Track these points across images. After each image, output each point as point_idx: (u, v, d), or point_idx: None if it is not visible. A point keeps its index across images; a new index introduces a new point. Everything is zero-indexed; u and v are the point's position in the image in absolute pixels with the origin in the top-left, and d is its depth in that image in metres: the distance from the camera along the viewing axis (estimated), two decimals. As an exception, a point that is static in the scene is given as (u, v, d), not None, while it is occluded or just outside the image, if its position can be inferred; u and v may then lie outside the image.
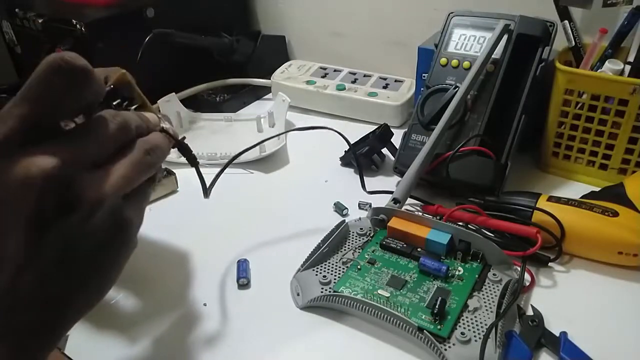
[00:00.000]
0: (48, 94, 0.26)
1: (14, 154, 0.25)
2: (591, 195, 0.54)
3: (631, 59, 0.58)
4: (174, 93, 0.75)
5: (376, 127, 0.66)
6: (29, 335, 0.27)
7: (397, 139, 0.64)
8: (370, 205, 0.57)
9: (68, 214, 0.26)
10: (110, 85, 0.33)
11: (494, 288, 0.45)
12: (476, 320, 0.42)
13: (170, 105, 0.74)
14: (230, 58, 0.86)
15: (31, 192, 0.25)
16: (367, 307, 0.43)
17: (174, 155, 0.67)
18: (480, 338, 0.40)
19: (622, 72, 0.58)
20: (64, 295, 0.28)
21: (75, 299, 0.29)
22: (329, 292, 0.45)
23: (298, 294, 0.47)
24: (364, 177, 0.61)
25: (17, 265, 0.26)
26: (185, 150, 0.39)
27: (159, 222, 0.59)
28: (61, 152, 0.26)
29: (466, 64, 0.61)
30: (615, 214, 0.48)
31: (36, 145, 0.25)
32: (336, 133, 0.60)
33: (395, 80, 0.80)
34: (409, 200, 0.57)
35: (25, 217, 0.25)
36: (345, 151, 0.65)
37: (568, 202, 0.50)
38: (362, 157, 0.65)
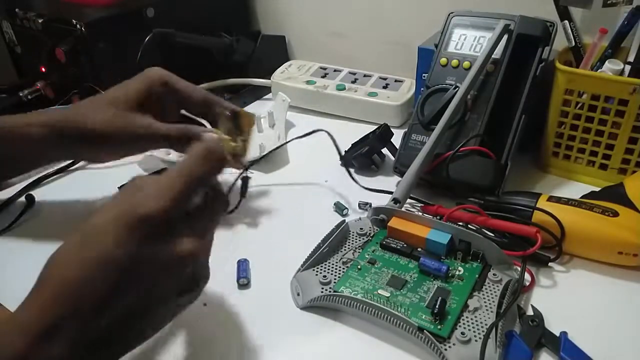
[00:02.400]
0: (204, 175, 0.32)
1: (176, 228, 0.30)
2: (591, 195, 0.54)
3: (631, 59, 0.58)
4: None
5: (376, 127, 0.66)
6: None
7: (397, 139, 0.64)
8: (370, 205, 0.57)
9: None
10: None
11: (494, 288, 0.45)
12: (476, 320, 0.42)
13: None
14: (230, 58, 0.86)
15: (184, 266, 0.31)
16: (367, 307, 0.43)
17: (174, 155, 0.68)
18: (480, 338, 0.40)
19: (622, 72, 0.58)
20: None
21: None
22: (329, 292, 0.45)
23: (298, 294, 0.47)
24: (361, 178, 0.61)
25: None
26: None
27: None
28: (200, 234, 0.32)
29: (466, 64, 0.61)
30: (615, 214, 0.48)
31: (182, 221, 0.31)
32: (335, 134, 0.61)
33: (395, 80, 0.80)
34: (409, 200, 0.57)
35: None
36: (345, 151, 0.65)
37: (568, 202, 0.50)
38: (362, 157, 0.65)
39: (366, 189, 0.59)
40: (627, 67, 0.58)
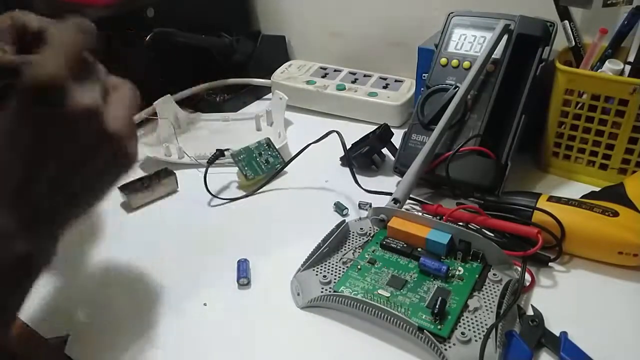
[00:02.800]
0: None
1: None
2: (591, 195, 0.54)
3: (631, 59, 0.58)
4: (169, 94, 0.75)
5: (376, 127, 0.66)
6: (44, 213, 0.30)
7: (397, 139, 0.64)
8: (370, 205, 0.57)
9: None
10: None
11: (494, 288, 0.45)
12: (476, 320, 0.42)
13: (167, 106, 0.74)
14: (230, 58, 0.86)
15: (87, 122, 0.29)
16: (367, 307, 0.43)
17: (175, 155, 0.68)
18: (480, 338, 0.40)
19: (622, 72, 0.58)
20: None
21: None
22: (329, 292, 0.45)
23: (298, 294, 0.47)
24: (361, 178, 0.61)
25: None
26: None
27: (159, 221, 0.59)
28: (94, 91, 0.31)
29: (466, 64, 0.61)
30: (616, 214, 0.48)
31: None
32: (337, 135, 0.61)
33: (395, 80, 0.80)
34: (409, 200, 0.57)
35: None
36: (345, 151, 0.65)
37: (568, 202, 0.50)
38: (362, 157, 0.65)
39: (367, 191, 0.59)
40: (627, 67, 0.58)
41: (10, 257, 0.29)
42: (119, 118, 0.32)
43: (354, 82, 0.81)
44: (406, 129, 0.62)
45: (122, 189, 0.59)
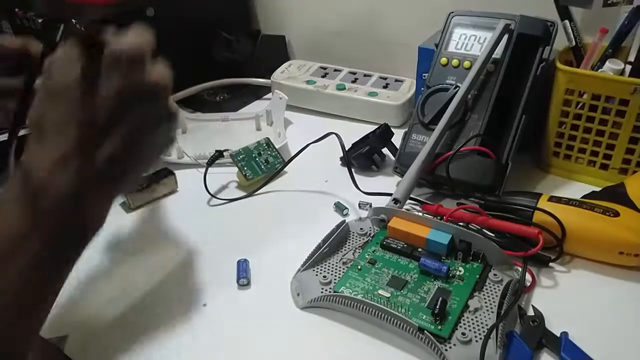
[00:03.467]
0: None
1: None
2: (592, 195, 0.54)
3: (632, 58, 0.58)
4: None
5: (376, 127, 0.66)
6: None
7: (397, 139, 0.64)
8: (370, 205, 0.57)
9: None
10: None
11: (494, 288, 0.45)
12: (477, 321, 0.42)
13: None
14: (230, 58, 0.86)
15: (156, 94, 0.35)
16: (368, 308, 0.43)
17: (175, 156, 0.68)
18: (481, 338, 0.40)
19: (622, 72, 0.58)
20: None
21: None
22: (329, 292, 0.45)
23: (298, 294, 0.47)
24: (361, 178, 0.61)
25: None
26: None
27: (158, 221, 0.59)
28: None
29: (467, 63, 0.60)
30: (616, 214, 0.48)
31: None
32: (337, 137, 0.61)
33: (396, 80, 0.80)
34: (409, 200, 0.57)
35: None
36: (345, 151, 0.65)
37: (569, 202, 0.50)
38: (362, 157, 0.64)
39: (366, 193, 0.58)
40: (628, 67, 0.58)
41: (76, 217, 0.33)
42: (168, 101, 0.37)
43: (354, 82, 0.81)
44: (406, 129, 0.62)
45: None
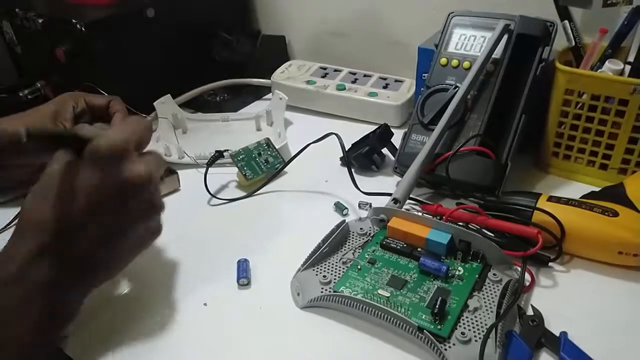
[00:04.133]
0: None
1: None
2: (591, 195, 0.54)
3: (631, 59, 0.58)
4: (169, 95, 0.75)
5: (376, 127, 0.66)
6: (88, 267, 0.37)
7: (397, 139, 0.64)
8: (370, 205, 0.57)
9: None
10: None
11: (494, 288, 0.45)
12: (476, 320, 0.42)
13: (166, 106, 0.74)
14: (230, 58, 0.86)
15: (141, 188, 0.37)
16: (367, 307, 0.43)
17: (175, 156, 0.68)
18: (480, 338, 0.40)
19: (622, 72, 0.58)
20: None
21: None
22: (329, 292, 0.45)
23: (298, 294, 0.47)
24: (361, 178, 0.61)
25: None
26: None
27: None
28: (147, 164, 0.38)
29: (466, 64, 0.61)
30: (616, 214, 0.48)
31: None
32: (337, 138, 0.61)
33: (395, 80, 0.80)
34: (409, 200, 0.57)
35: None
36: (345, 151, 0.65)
37: (568, 202, 0.50)
38: (362, 157, 0.65)
39: (366, 193, 0.59)
40: (627, 67, 0.58)
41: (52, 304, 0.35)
42: (158, 195, 0.40)
43: (354, 82, 0.81)
44: (406, 129, 0.62)
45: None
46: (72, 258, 0.35)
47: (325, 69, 0.85)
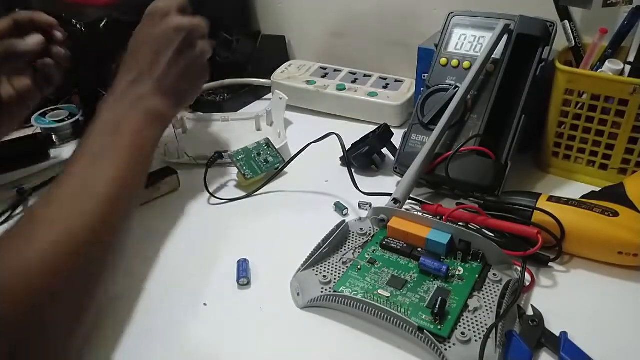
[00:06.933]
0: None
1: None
2: (591, 195, 0.54)
3: (631, 59, 0.58)
4: None
5: (376, 127, 0.66)
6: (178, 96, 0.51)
7: (397, 139, 0.64)
8: (370, 205, 0.57)
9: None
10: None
11: (494, 288, 0.45)
12: (476, 320, 0.42)
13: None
14: (230, 58, 0.86)
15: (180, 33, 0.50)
16: (367, 307, 0.43)
17: (175, 155, 0.68)
18: (480, 338, 0.40)
19: (622, 72, 0.58)
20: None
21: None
22: (329, 292, 0.45)
23: (298, 294, 0.47)
24: (361, 178, 0.61)
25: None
26: None
27: (159, 220, 0.59)
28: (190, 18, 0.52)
29: (466, 64, 0.61)
30: (616, 214, 0.48)
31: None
32: (337, 137, 0.61)
33: (395, 80, 0.80)
34: (409, 200, 0.57)
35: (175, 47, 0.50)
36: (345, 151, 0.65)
37: (568, 202, 0.50)
38: (362, 157, 0.65)
39: (366, 193, 0.59)
40: (627, 67, 0.58)
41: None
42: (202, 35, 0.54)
43: (354, 82, 0.81)
44: (406, 129, 0.62)
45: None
46: (159, 82, 0.48)
47: (325, 69, 0.85)
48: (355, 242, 0.51)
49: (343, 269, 0.48)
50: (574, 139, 0.60)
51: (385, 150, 0.66)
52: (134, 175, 0.44)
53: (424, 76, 0.65)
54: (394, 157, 0.65)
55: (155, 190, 0.61)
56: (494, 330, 0.40)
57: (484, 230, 0.52)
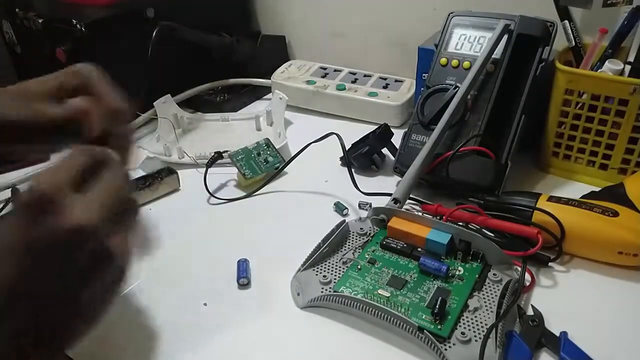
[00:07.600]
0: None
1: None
2: (591, 195, 0.54)
3: (631, 59, 0.58)
4: (169, 94, 0.75)
5: (376, 127, 0.66)
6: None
7: (397, 139, 0.64)
8: (370, 205, 0.57)
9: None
10: None
11: (494, 288, 0.45)
12: (476, 320, 0.42)
13: (166, 106, 0.74)
14: (230, 58, 0.86)
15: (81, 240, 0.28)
16: (368, 307, 0.43)
17: (175, 156, 0.68)
18: (480, 338, 0.40)
19: (622, 72, 0.58)
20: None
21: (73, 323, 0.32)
22: (329, 292, 0.45)
23: (298, 294, 0.47)
24: (361, 178, 0.61)
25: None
26: None
27: (160, 220, 0.59)
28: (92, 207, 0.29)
29: (466, 64, 0.61)
30: (616, 214, 0.48)
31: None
32: (337, 137, 0.61)
33: (395, 80, 0.80)
34: (409, 200, 0.57)
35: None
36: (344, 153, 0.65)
37: (568, 202, 0.50)
38: (362, 157, 0.65)
39: (366, 193, 0.59)
40: (627, 67, 0.58)
41: None
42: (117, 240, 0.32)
43: (354, 82, 0.81)
44: (406, 129, 0.62)
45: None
46: (18, 331, 0.28)
47: (325, 69, 0.85)
48: (355, 242, 0.51)
49: (343, 269, 0.48)
50: (574, 139, 0.60)
51: (385, 150, 0.66)
52: None
53: (424, 76, 0.65)
54: (394, 157, 0.65)
55: (155, 190, 0.62)
56: (494, 330, 0.40)
57: (484, 230, 0.52)
